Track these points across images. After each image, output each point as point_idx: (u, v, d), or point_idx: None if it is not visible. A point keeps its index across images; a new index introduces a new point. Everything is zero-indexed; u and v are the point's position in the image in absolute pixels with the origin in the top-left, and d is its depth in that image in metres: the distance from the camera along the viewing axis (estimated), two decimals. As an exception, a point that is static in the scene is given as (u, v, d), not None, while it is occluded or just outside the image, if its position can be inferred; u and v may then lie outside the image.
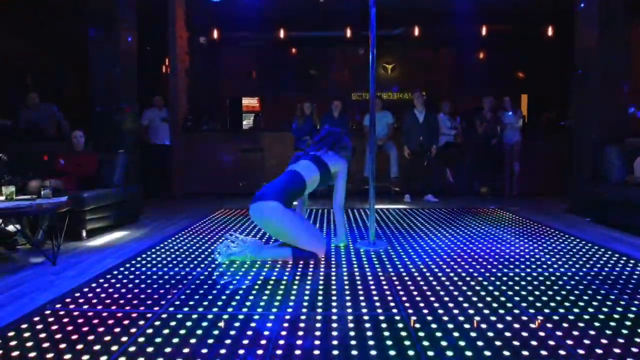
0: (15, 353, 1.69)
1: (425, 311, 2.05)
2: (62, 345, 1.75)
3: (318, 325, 1.92)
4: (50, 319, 2.01)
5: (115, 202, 4.41)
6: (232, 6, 7.01)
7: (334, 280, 2.55)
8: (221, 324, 1.92)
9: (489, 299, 2.21)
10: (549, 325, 1.89)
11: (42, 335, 1.85)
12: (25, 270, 2.96)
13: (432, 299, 2.21)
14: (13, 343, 1.78)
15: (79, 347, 1.74)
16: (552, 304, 2.13)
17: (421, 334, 1.81)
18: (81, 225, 3.92)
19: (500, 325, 1.89)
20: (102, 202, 4.19)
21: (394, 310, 2.06)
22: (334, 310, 2.09)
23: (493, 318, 1.97)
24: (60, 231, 3.45)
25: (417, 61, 9.45)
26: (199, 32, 7.63)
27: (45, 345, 1.76)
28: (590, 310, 2.04)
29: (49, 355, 1.67)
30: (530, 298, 2.23)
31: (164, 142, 6.90)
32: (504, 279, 2.56)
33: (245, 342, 1.76)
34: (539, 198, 6.30)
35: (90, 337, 1.82)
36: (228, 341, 1.77)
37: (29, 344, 1.77)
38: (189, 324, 1.94)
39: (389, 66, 9.58)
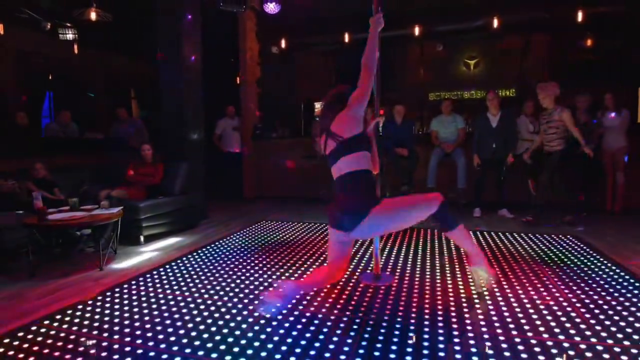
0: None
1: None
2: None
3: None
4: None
5: (173, 210, 4.81)
6: (302, 13, 7.08)
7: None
8: None
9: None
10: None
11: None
12: (75, 274, 3.39)
13: None
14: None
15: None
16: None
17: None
18: (139, 231, 4.37)
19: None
20: (159, 211, 4.61)
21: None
22: None
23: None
24: (115, 238, 3.92)
25: (503, 54, 8.36)
26: (271, 41, 7.87)
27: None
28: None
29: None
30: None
31: (236, 150, 7.32)
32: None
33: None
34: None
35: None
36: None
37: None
38: None
39: (471, 62, 8.67)
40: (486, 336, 2.11)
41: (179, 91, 5.39)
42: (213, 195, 6.63)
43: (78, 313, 2.50)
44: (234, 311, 2.48)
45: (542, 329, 2.18)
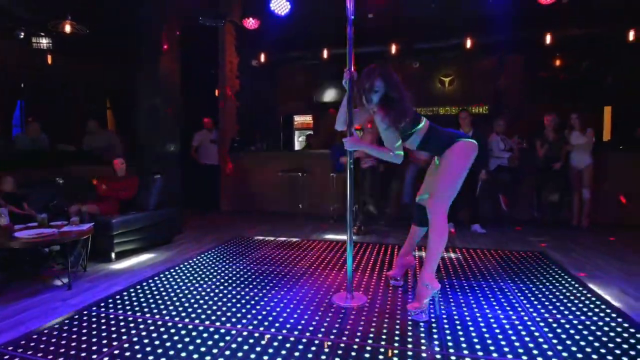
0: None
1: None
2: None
3: None
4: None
5: (146, 225, 4.73)
6: (283, 28, 7.15)
7: None
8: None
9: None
10: None
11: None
12: (43, 294, 3.29)
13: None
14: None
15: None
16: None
17: None
18: (110, 248, 4.28)
19: None
20: (132, 226, 4.52)
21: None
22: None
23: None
24: (85, 255, 3.83)
25: (476, 73, 8.66)
26: (251, 54, 7.92)
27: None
28: None
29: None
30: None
31: (214, 162, 7.28)
32: None
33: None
34: (614, 231, 5.35)
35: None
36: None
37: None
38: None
39: (446, 79, 8.92)
40: (453, 358, 2.17)
41: (156, 104, 5.35)
42: (189, 209, 6.57)
43: (44, 338, 2.43)
44: (205, 335, 2.47)
45: (492, 347, 2.26)
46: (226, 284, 3.36)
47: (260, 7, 5.57)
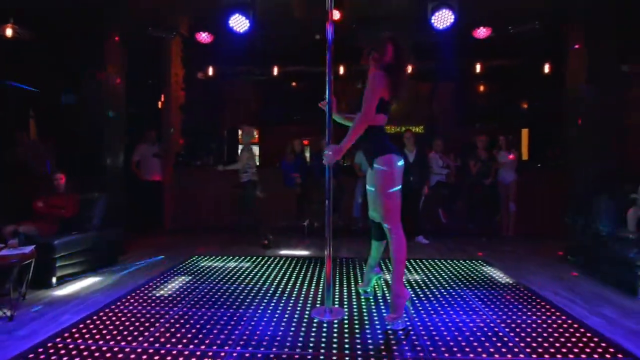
0: None
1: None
2: None
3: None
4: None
5: (90, 247, 4.36)
6: (231, 43, 7.10)
7: None
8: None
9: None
10: None
11: None
12: (-21, 328, 2.89)
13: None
14: None
15: None
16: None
17: None
18: (51, 272, 3.87)
19: None
20: (75, 248, 4.15)
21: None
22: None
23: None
24: (26, 282, 3.43)
25: (415, 96, 9.38)
26: (198, 67, 7.75)
27: None
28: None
29: None
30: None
31: (156, 178, 6.91)
32: None
33: None
34: (537, 239, 6.07)
35: None
36: None
37: None
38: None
39: (385, 101, 9.52)
40: (437, 361, 2.35)
41: (100, 115, 5.01)
42: (130, 227, 6.14)
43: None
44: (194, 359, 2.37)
45: (467, 349, 2.50)
46: (198, 306, 3.24)
47: (215, 22, 5.50)
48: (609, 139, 4.90)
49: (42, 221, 4.26)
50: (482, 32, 5.90)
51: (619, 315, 3.13)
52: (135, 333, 2.72)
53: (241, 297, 3.47)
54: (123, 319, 2.98)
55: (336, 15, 4.96)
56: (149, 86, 7.20)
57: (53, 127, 6.98)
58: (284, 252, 5.37)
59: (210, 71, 7.75)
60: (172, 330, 2.77)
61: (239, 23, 4.88)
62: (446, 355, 2.42)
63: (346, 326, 2.84)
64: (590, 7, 4.82)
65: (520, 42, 6.48)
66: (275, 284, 3.86)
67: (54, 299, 3.56)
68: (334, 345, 2.54)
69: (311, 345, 2.54)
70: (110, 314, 3.06)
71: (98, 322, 2.91)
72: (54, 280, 3.89)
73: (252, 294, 3.53)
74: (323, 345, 2.54)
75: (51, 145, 6.17)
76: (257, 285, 3.80)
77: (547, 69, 7.46)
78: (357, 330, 2.77)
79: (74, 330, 2.77)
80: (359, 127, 2.80)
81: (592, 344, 2.57)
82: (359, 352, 2.44)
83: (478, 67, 7.55)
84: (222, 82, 8.58)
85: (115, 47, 5.13)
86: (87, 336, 2.68)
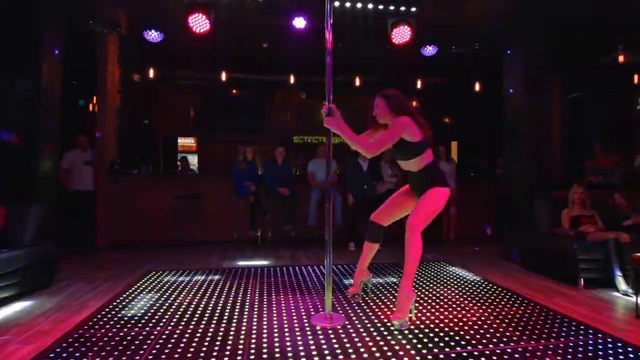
0: None
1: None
2: None
3: None
4: None
5: (22, 267, 3.73)
6: (171, 45, 6.70)
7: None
8: None
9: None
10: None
11: None
12: None
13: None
14: None
15: None
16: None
17: None
18: (-23, 298, 3.24)
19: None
20: (7, 268, 3.53)
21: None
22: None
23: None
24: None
25: (358, 108, 9.72)
26: (134, 68, 7.17)
27: None
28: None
29: None
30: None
31: (88, 188, 6.20)
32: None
33: None
34: (474, 241, 6.59)
35: None
36: None
37: None
38: None
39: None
40: (442, 356, 2.41)
41: (35, 116, 4.38)
42: (59, 243, 5.40)
43: None
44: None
45: (473, 342, 2.62)
46: (183, 322, 2.93)
47: (165, 21, 5.14)
48: (539, 149, 5.55)
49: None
50: (429, 51, 6.36)
51: (571, 303, 3.51)
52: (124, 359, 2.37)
53: (227, 309, 3.23)
54: (100, 343, 2.57)
55: (301, 23, 4.97)
56: (81, 87, 6.48)
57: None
58: (241, 263, 5.13)
59: (151, 73, 7.22)
60: (167, 351, 2.46)
61: (198, 23, 4.63)
62: (447, 349, 2.49)
63: (347, 333, 2.79)
64: (527, 31, 5.49)
65: (459, 61, 7.10)
66: (257, 294, 3.65)
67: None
68: (338, 351, 2.47)
69: (314, 352, 2.45)
70: (83, 339, 2.62)
71: (71, 349, 2.48)
72: (-21, 307, 3.26)
73: (237, 306, 3.30)
74: (326, 352, 2.46)
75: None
76: (239, 297, 3.57)
77: (477, 87, 8.29)
78: (354, 335, 2.73)
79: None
80: (357, 144, 2.90)
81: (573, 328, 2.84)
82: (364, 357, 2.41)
83: (419, 83, 8.12)
84: (160, 85, 8.04)
85: (52, 42, 4.54)
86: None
